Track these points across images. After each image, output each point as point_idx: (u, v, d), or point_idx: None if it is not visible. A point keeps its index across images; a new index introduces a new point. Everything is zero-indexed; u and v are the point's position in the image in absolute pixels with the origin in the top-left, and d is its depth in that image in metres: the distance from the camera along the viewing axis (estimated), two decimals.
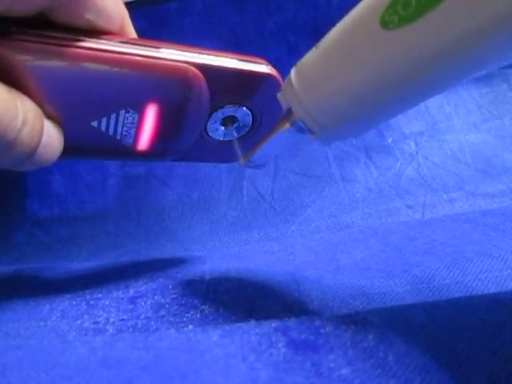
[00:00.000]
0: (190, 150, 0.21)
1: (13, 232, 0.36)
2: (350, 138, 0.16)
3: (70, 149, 0.18)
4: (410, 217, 0.34)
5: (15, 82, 0.15)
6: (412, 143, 0.39)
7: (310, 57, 0.15)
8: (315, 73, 0.15)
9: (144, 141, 0.19)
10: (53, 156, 0.17)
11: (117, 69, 0.16)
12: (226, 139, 0.22)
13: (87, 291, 0.23)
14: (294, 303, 0.20)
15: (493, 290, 0.19)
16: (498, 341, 0.13)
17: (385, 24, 0.12)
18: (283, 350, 0.13)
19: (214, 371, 0.13)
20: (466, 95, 0.41)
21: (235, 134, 0.22)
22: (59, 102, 0.16)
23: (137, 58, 0.17)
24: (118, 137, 0.19)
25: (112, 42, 0.16)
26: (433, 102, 0.41)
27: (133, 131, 0.19)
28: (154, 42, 0.17)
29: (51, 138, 0.16)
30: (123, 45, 0.17)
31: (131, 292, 0.22)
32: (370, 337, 0.13)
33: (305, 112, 0.15)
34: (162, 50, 0.17)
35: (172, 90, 0.18)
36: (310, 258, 0.26)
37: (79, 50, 0.16)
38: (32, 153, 0.16)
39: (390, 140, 0.39)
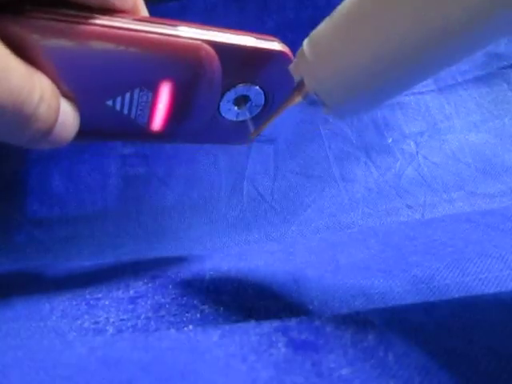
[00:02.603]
0: (203, 131, 0.21)
1: (13, 232, 0.36)
2: (363, 111, 0.16)
3: (86, 129, 0.18)
4: (410, 217, 0.34)
5: (30, 61, 0.15)
6: (412, 143, 0.39)
7: (324, 27, 0.15)
8: (329, 43, 0.14)
9: (158, 120, 0.19)
10: (69, 135, 0.17)
11: (131, 47, 0.16)
12: (239, 120, 0.22)
13: (87, 291, 0.23)
14: (293, 303, 0.20)
15: (493, 290, 0.19)
16: (497, 341, 0.13)
17: None
18: (283, 350, 0.13)
19: (214, 371, 0.13)
20: (466, 95, 0.41)
21: (248, 114, 0.21)
22: (74, 80, 0.16)
23: (150, 35, 0.17)
24: (133, 116, 0.19)
25: (126, 20, 0.16)
26: (433, 102, 0.41)
27: (147, 110, 0.19)
28: (167, 20, 0.17)
29: (67, 117, 0.16)
30: (137, 22, 0.17)
31: (131, 292, 0.22)
32: (370, 337, 0.13)
33: (318, 83, 0.15)
34: (174, 27, 0.17)
35: (185, 68, 0.18)
36: (310, 258, 0.26)
37: (93, 28, 0.16)
38: (49, 131, 0.16)
39: (389, 140, 0.39)
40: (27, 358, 0.14)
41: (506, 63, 0.41)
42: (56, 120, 0.16)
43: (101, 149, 0.38)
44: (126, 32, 0.16)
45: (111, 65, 0.17)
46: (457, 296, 0.19)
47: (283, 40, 0.19)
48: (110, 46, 0.16)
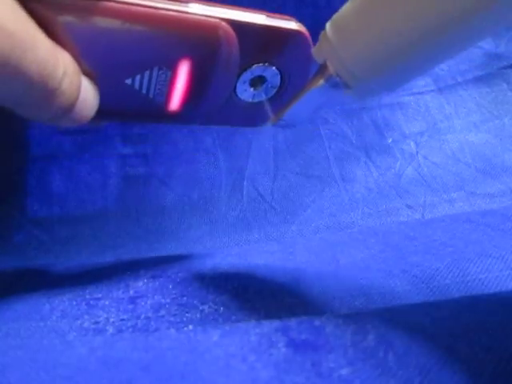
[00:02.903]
0: (219, 112, 0.21)
1: (13, 232, 0.36)
2: (386, 91, 0.16)
3: (104, 108, 0.18)
4: (410, 217, 0.34)
5: (52, 38, 0.15)
6: (412, 143, 0.39)
7: (347, 8, 0.15)
8: (352, 23, 0.14)
9: (175, 100, 0.19)
10: (89, 112, 0.17)
11: (151, 25, 0.17)
12: (255, 101, 0.22)
13: (87, 291, 0.23)
14: (293, 303, 0.20)
15: (493, 290, 0.19)
16: (497, 341, 0.13)
17: None
18: (283, 350, 0.13)
19: (214, 371, 0.13)
20: (466, 95, 0.41)
21: (264, 96, 0.21)
22: (94, 58, 0.17)
23: (170, 13, 0.17)
24: (151, 95, 0.19)
25: None
26: (433, 102, 0.41)
27: (165, 90, 0.19)
28: None
29: (88, 94, 0.17)
30: (157, 0, 0.17)
31: (131, 292, 0.22)
32: (370, 337, 0.13)
33: (341, 65, 0.15)
34: (193, 5, 0.17)
35: (204, 47, 0.18)
36: (309, 257, 0.26)
37: (114, 5, 0.16)
38: (71, 107, 0.16)
39: (389, 140, 0.39)
40: (27, 358, 0.14)
41: (505, 63, 0.41)
42: (77, 96, 0.16)
43: (101, 149, 0.38)
44: (147, 10, 0.16)
45: (131, 43, 0.17)
46: (457, 296, 0.19)
47: None
48: (130, 23, 0.16)
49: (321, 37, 0.16)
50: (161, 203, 0.37)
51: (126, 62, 0.17)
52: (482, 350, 0.12)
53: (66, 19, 0.15)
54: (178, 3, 0.17)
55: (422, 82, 0.41)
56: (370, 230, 0.31)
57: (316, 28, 0.19)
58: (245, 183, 0.38)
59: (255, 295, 0.21)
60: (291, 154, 0.38)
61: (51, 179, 0.38)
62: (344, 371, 0.12)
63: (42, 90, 0.14)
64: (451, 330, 0.14)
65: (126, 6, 0.16)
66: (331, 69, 0.16)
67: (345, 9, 0.15)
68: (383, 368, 0.12)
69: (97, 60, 0.17)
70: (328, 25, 0.16)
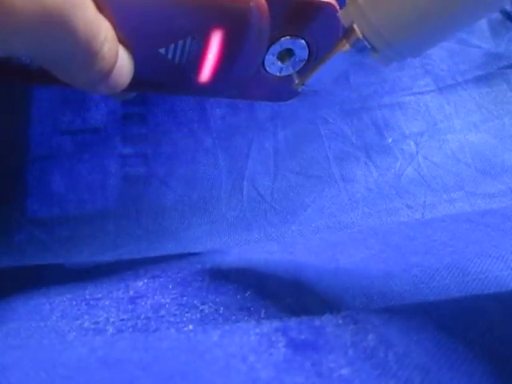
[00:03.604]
0: (247, 85, 0.21)
1: (13, 232, 0.36)
2: (412, 55, 0.16)
3: (138, 78, 0.18)
4: (410, 217, 0.34)
5: None
6: (412, 143, 0.39)
7: None
8: None
9: (206, 71, 0.20)
10: (124, 80, 0.17)
11: None
12: (282, 75, 0.22)
13: (87, 291, 0.23)
14: (293, 303, 0.20)
15: (493, 290, 0.19)
16: (498, 341, 0.13)
17: None
18: (283, 350, 0.13)
19: (214, 371, 0.13)
20: (466, 95, 0.41)
21: (291, 69, 0.21)
22: (129, 28, 0.17)
23: None
24: (183, 65, 0.19)
25: None
26: (433, 102, 0.41)
27: (197, 60, 0.19)
28: None
29: (124, 61, 0.17)
30: None
31: (131, 292, 0.22)
32: (370, 337, 0.13)
33: (369, 26, 0.15)
34: None
35: (236, 17, 0.18)
36: (309, 257, 0.26)
37: None
38: (108, 72, 0.16)
39: (390, 140, 0.39)
40: (27, 358, 0.14)
41: (506, 63, 0.41)
42: (115, 62, 0.16)
43: (101, 149, 0.38)
44: None
45: (165, 12, 0.17)
46: (457, 296, 0.19)
47: None
48: None
49: (348, 0, 0.16)
50: (161, 203, 0.37)
51: (160, 32, 0.18)
52: (482, 350, 0.12)
53: None
54: None
55: (422, 82, 0.41)
56: (369, 229, 0.31)
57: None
58: (245, 183, 0.38)
59: (255, 295, 0.21)
60: (291, 154, 0.38)
61: (51, 179, 0.38)
62: (344, 371, 0.12)
63: (85, 51, 0.14)
64: (451, 329, 0.14)
65: None
66: (358, 31, 0.16)
67: None
68: (383, 368, 0.12)
69: (131, 29, 0.17)
70: None
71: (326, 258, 0.25)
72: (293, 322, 0.15)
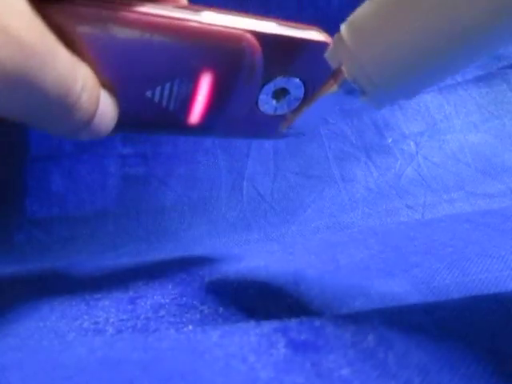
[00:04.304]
0: (240, 125, 0.21)
1: (13, 232, 0.36)
2: (404, 98, 0.15)
3: (124, 120, 0.18)
4: (410, 217, 0.34)
5: (72, 49, 0.15)
6: (412, 143, 0.39)
7: (364, 9, 0.14)
8: (371, 25, 0.14)
9: (196, 113, 0.19)
10: (108, 126, 0.17)
11: (173, 35, 0.16)
12: (277, 114, 0.21)
13: (87, 291, 0.23)
14: (293, 303, 0.20)
15: (493, 290, 0.19)
16: (498, 341, 0.13)
17: None
18: (283, 350, 0.13)
19: (214, 371, 0.13)
20: (466, 95, 0.41)
21: (286, 109, 0.21)
22: (114, 70, 0.16)
23: (192, 24, 0.16)
24: (171, 108, 0.18)
25: (168, 8, 0.16)
26: (433, 102, 0.41)
27: (185, 102, 0.18)
28: (208, 8, 0.17)
29: (107, 107, 0.16)
30: (179, 10, 0.16)
31: (131, 292, 0.22)
32: (370, 337, 0.13)
33: (358, 69, 0.14)
34: (216, 16, 0.17)
35: (227, 58, 0.17)
36: (310, 258, 0.26)
37: (135, 16, 0.15)
38: (89, 121, 0.15)
39: (389, 140, 0.39)
40: (27, 359, 0.14)
41: (506, 63, 0.41)
42: (96, 110, 0.16)
43: (101, 149, 0.38)
44: (168, 20, 0.16)
45: (153, 54, 0.16)
46: (457, 296, 0.19)
47: None
48: (151, 34, 0.16)
49: (335, 39, 0.15)
50: (161, 203, 0.37)
51: (147, 74, 0.17)
52: (482, 350, 0.12)
53: (86, 29, 0.15)
54: (199, 14, 0.17)
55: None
56: (370, 230, 0.31)
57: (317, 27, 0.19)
58: (245, 183, 0.38)
59: (255, 295, 0.21)
60: (291, 154, 0.38)
61: (51, 179, 0.38)
62: (344, 371, 0.12)
63: (59, 105, 0.14)
64: (451, 329, 0.14)
65: (147, 17, 0.16)
66: (346, 73, 0.15)
67: (362, 10, 0.14)
68: (383, 368, 0.12)
69: (117, 72, 0.16)
70: (343, 27, 0.15)
71: (326, 258, 0.25)
72: (293, 322, 0.15)
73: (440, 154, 0.39)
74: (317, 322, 0.15)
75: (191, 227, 0.36)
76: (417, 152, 0.39)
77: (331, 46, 0.15)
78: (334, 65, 0.15)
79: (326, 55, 0.16)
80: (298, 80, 0.20)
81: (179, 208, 0.37)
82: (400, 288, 0.20)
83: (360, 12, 0.14)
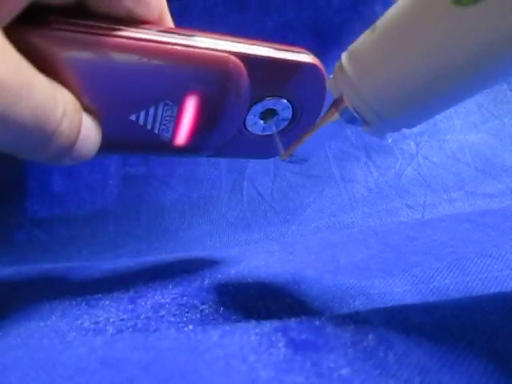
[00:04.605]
0: (228, 145, 0.20)
1: (13, 232, 0.36)
2: (405, 128, 0.15)
3: (108, 143, 0.17)
4: (410, 217, 0.34)
5: (53, 74, 0.15)
6: (412, 143, 0.39)
7: (366, 39, 0.14)
8: (372, 56, 0.14)
9: (182, 135, 0.19)
10: (91, 150, 0.16)
11: (156, 59, 0.16)
12: (265, 134, 0.21)
13: (87, 291, 0.23)
14: (293, 303, 0.20)
15: (493, 290, 0.19)
16: (498, 341, 0.13)
17: (457, 0, 0.11)
18: (283, 350, 0.13)
19: (214, 371, 0.13)
20: None
21: (274, 129, 0.21)
22: (97, 94, 0.16)
23: (177, 47, 0.16)
24: (156, 131, 0.18)
25: (152, 31, 0.16)
26: None
27: (171, 125, 0.18)
28: (192, 31, 0.17)
29: (90, 132, 0.16)
30: (163, 34, 0.16)
31: (131, 292, 0.22)
32: (370, 337, 0.13)
33: (359, 99, 0.14)
34: (201, 39, 0.17)
35: (212, 81, 0.17)
36: (309, 258, 0.26)
37: (118, 40, 0.15)
38: (71, 146, 0.15)
39: (389, 140, 0.39)
40: (27, 358, 0.14)
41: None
42: (78, 136, 0.15)
43: None
44: (152, 44, 0.16)
45: (136, 78, 0.16)
46: (457, 296, 0.19)
47: (283, 41, 0.19)
48: (135, 58, 0.16)
49: (336, 68, 0.15)
50: (161, 203, 0.37)
51: (130, 98, 0.17)
52: (482, 350, 0.12)
53: (69, 54, 0.15)
54: (184, 37, 0.17)
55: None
56: (369, 229, 0.31)
57: (316, 29, 0.19)
58: (245, 183, 0.38)
59: (255, 295, 0.21)
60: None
61: (52, 179, 0.38)
62: (344, 371, 0.12)
63: (38, 135, 0.14)
64: (451, 330, 0.14)
65: (130, 41, 0.16)
66: (348, 103, 0.15)
67: (363, 40, 0.14)
68: (383, 368, 0.12)
69: (100, 96, 0.16)
70: (344, 56, 0.15)
71: (326, 258, 0.25)
72: (293, 322, 0.15)
73: (440, 154, 0.39)
74: (317, 322, 0.15)
75: (191, 227, 0.36)
76: (417, 152, 0.39)
77: (332, 75, 0.15)
78: (335, 94, 0.15)
79: (327, 84, 0.16)
80: (285, 101, 0.20)
81: (179, 208, 0.37)
82: (400, 288, 0.20)
83: (360, 42, 0.14)
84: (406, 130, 0.40)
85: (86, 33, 0.15)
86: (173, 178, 0.38)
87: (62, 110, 0.14)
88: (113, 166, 0.38)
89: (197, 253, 0.31)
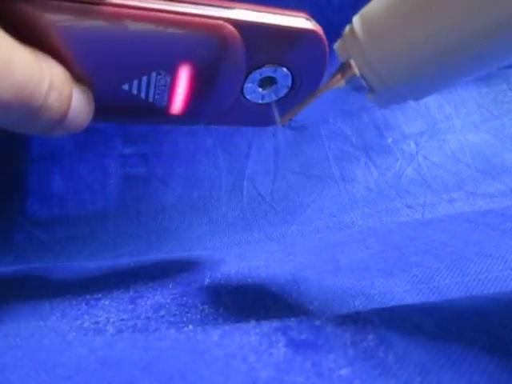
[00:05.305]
0: (227, 113, 0.20)
1: (13, 232, 0.36)
2: (412, 99, 0.15)
3: (102, 112, 0.17)
4: (410, 217, 0.34)
5: (43, 44, 0.14)
6: (412, 143, 0.39)
7: (378, 3, 0.13)
8: (386, 21, 0.13)
9: (177, 104, 0.19)
10: (83, 121, 0.16)
11: (148, 27, 0.16)
12: (264, 102, 0.20)
13: (87, 291, 0.23)
14: (293, 303, 0.20)
15: (493, 290, 0.19)
16: (498, 341, 0.13)
17: None
18: (283, 350, 0.13)
19: (214, 371, 0.13)
20: (466, 95, 0.41)
21: (274, 97, 0.20)
22: (89, 64, 0.16)
23: (168, 14, 0.16)
24: (150, 100, 0.18)
25: None
26: (433, 102, 0.41)
27: (165, 94, 0.18)
28: None
29: (81, 103, 0.16)
30: (154, 1, 0.16)
31: (131, 292, 0.22)
32: (370, 337, 0.13)
33: (368, 65, 0.14)
34: (194, 5, 0.16)
35: (206, 50, 0.17)
36: (309, 258, 0.26)
37: (109, 8, 0.15)
38: (62, 118, 0.15)
39: (389, 140, 0.39)
40: (27, 358, 0.14)
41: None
42: (68, 107, 0.15)
43: (101, 149, 0.38)
44: (143, 11, 0.15)
45: (127, 47, 0.16)
46: (457, 296, 0.19)
47: None
48: (126, 26, 0.15)
49: (346, 32, 0.14)
50: (161, 203, 0.37)
51: (122, 68, 0.16)
52: (482, 350, 0.12)
53: (59, 23, 0.15)
54: (176, 3, 0.16)
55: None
56: (369, 230, 0.31)
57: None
58: (245, 183, 0.38)
59: (255, 295, 0.21)
60: (291, 153, 0.38)
61: (51, 179, 0.38)
62: (344, 371, 0.12)
63: (24, 110, 0.14)
64: (451, 330, 0.14)
65: (121, 9, 0.15)
66: (356, 69, 0.14)
67: (376, 3, 0.13)
68: (383, 368, 0.12)
69: (91, 66, 0.16)
70: (355, 19, 0.14)
71: (326, 258, 0.25)
72: (293, 321, 0.15)
73: (440, 154, 0.39)
74: (317, 322, 0.15)
75: (191, 227, 0.36)
76: (417, 152, 0.39)
77: (341, 38, 0.15)
78: (342, 57, 0.15)
79: (335, 47, 0.15)
80: (284, 69, 0.19)
81: (179, 208, 0.37)
82: (400, 288, 0.20)
83: (374, 5, 0.14)
84: (406, 130, 0.40)
85: (76, 1, 0.15)
86: (173, 178, 0.38)
87: (48, 83, 0.14)
88: (113, 166, 0.38)
89: (197, 253, 0.31)
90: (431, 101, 0.41)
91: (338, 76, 0.15)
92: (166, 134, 0.38)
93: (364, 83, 0.14)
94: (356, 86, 0.15)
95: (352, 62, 0.14)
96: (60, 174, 0.38)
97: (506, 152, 0.38)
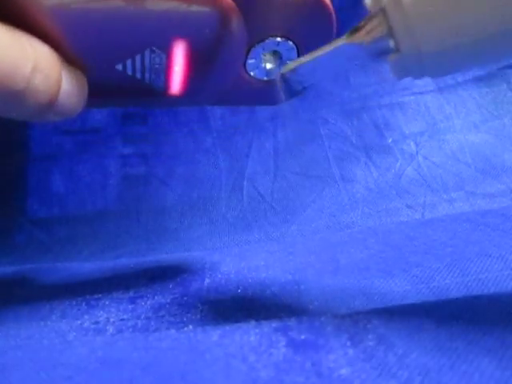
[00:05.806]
0: (230, 92, 0.19)
1: (13, 232, 0.36)
2: (432, 75, 0.13)
3: (97, 96, 0.16)
4: (410, 217, 0.34)
5: (30, 25, 0.14)
6: (412, 143, 0.39)
7: None
8: None
9: (176, 84, 0.18)
10: (77, 105, 0.15)
11: (139, 2, 0.14)
12: (269, 79, 0.19)
13: (87, 291, 0.23)
14: (294, 303, 0.20)
15: (493, 290, 0.19)
16: (498, 341, 0.13)
17: None
18: (283, 350, 0.13)
19: (214, 371, 0.13)
20: (466, 95, 0.41)
21: (279, 72, 0.19)
22: (78, 43, 0.15)
23: None
24: (147, 81, 0.17)
25: None
26: (433, 102, 0.41)
27: (162, 74, 0.17)
28: None
29: (72, 86, 0.15)
30: None
31: (131, 292, 0.22)
32: (370, 337, 0.13)
33: (404, 20, 0.12)
34: None
35: (201, 25, 0.16)
36: (310, 258, 0.26)
37: None
38: (51, 102, 0.14)
39: (389, 140, 0.39)
40: (27, 358, 0.14)
41: (506, 63, 0.41)
42: (58, 90, 0.14)
43: (101, 149, 0.38)
44: None
45: (117, 23, 0.15)
46: (457, 296, 0.19)
47: None
48: (117, 2, 0.14)
49: None
50: (161, 203, 0.37)
51: (113, 47, 0.16)
52: (482, 350, 0.12)
53: (47, 2, 0.14)
54: None
55: (421, 82, 0.41)
56: (369, 230, 0.31)
57: None
58: (245, 183, 0.38)
59: (255, 295, 0.21)
60: (291, 153, 0.38)
61: (51, 179, 0.38)
62: (344, 371, 0.12)
63: (6, 95, 0.13)
64: (451, 330, 0.14)
65: None
66: (390, 22, 0.12)
67: None
68: (383, 368, 0.12)
69: (79, 45, 0.15)
70: None
71: (326, 258, 0.25)
72: (293, 321, 0.15)
73: (440, 154, 0.39)
74: (317, 322, 0.15)
75: (191, 227, 0.36)
76: (417, 152, 0.39)
77: None
78: (372, 8, 0.13)
79: None
80: (289, 42, 0.18)
81: (179, 208, 0.37)
82: (400, 288, 0.20)
83: None
84: (406, 130, 0.40)
85: None
86: (173, 177, 0.38)
87: (32, 65, 0.13)
88: (113, 166, 0.38)
89: (197, 253, 0.31)
90: (431, 101, 0.41)
91: (363, 30, 0.13)
92: (166, 134, 0.38)
93: (390, 43, 0.13)
94: (375, 47, 0.13)
95: (387, 13, 0.12)
96: (60, 174, 0.38)
97: (506, 152, 0.38)
